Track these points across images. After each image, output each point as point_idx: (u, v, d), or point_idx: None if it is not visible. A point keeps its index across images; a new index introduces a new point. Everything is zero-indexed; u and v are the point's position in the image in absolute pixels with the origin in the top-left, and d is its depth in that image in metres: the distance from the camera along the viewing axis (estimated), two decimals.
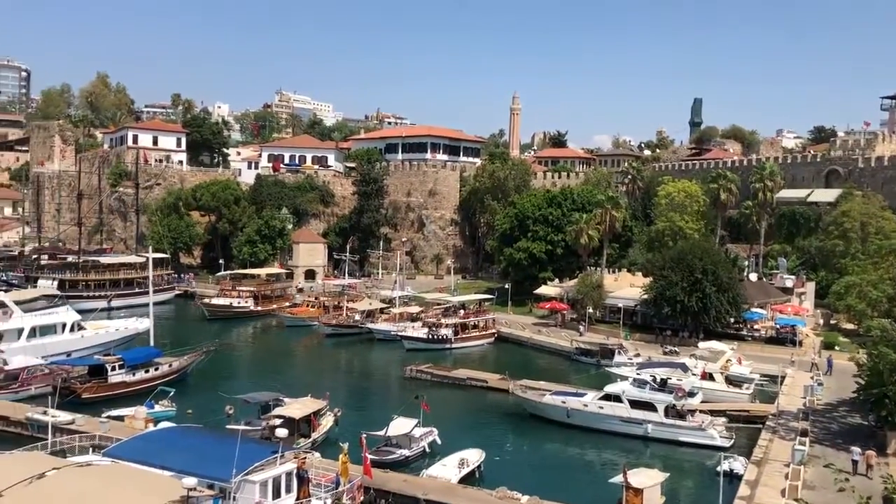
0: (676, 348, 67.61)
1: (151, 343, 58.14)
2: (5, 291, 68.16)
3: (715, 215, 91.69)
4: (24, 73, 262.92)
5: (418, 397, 43.51)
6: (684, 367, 51.88)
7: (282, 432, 30.16)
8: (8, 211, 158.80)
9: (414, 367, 61.43)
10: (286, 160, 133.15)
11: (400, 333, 73.95)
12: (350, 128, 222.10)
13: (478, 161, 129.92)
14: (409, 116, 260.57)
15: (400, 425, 40.83)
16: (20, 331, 58.30)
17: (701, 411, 46.85)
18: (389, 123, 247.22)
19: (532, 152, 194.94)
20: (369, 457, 33.89)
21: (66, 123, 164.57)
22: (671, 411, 45.38)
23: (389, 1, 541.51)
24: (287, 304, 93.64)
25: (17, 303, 61.11)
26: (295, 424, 39.72)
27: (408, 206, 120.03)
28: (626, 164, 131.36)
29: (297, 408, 41.86)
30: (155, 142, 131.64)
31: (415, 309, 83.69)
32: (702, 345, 63.99)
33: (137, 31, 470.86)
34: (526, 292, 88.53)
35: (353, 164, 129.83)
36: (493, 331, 77.68)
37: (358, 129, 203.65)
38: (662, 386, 47.02)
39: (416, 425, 41.04)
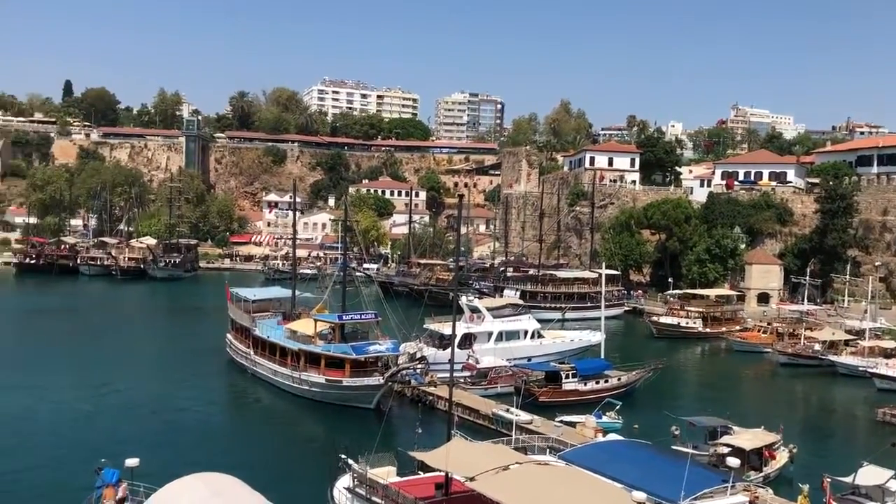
0: None
1: (602, 355, 60.55)
2: (479, 299, 76.97)
3: None
4: (499, 106, 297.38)
5: (895, 445, 37.79)
6: None
7: (733, 461, 28.84)
8: (482, 228, 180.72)
9: (888, 410, 53.71)
10: (740, 177, 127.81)
11: (870, 370, 65.34)
12: (813, 140, 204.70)
13: None
14: (888, 124, 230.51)
15: (871, 474, 35.80)
16: (490, 334, 65.46)
17: None
18: (862, 133, 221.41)
19: None
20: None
21: (532, 149, 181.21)
22: None
23: None
24: (737, 327, 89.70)
25: (489, 309, 68.91)
26: (745, 455, 37.59)
27: (883, 226, 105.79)
28: None
29: (747, 438, 39.55)
30: (610, 163, 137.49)
31: (890, 344, 73.15)
32: None
33: (597, 60, 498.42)
34: None
35: (816, 180, 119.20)
36: None
37: (823, 142, 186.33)
38: None
39: (891, 477, 35.66)
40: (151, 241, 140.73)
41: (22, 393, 53.98)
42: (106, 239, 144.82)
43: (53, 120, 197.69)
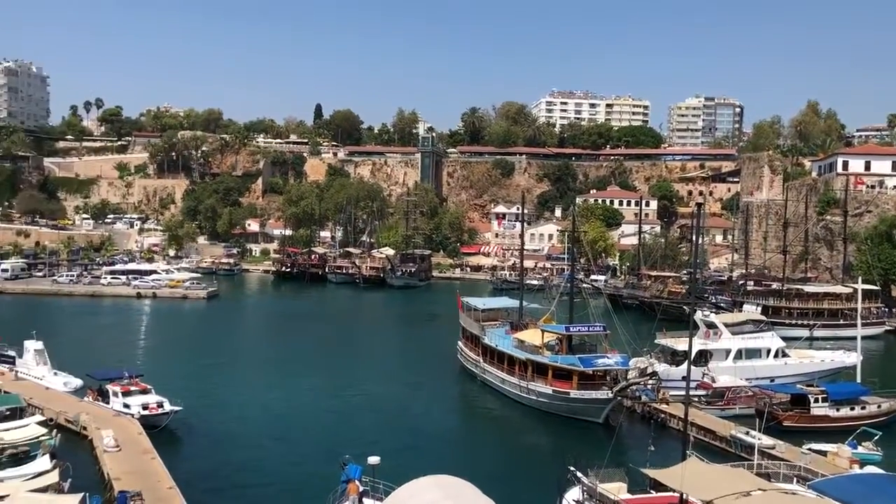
0: None
1: (858, 379, 54.82)
2: (715, 314, 72.95)
3: None
4: (737, 109, 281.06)
5: None
6: None
7: None
8: (719, 238, 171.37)
9: None
10: None
11: None
12: None
13: None
14: None
15: None
16: (727, 351, 61.78)
17: None
18: None
19: None
20: None
21: (775, 153, 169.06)
22: None
23: None
24: None
25: (726, 325, 65.03)
26: None
27: None
28: None
29: None
30: (867, 167, 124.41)
31: None
32: None
33: (849, 53, 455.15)
34: None
35: None
36: None
37: None
38: None
39: None
40: (390, 251, 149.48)
41: (278, 390, 59.62)
42: (350, 249, 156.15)
43: (306, 141, 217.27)
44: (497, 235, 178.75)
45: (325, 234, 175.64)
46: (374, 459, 31.10)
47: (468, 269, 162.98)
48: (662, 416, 50.98)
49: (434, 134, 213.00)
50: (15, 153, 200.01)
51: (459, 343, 70.51)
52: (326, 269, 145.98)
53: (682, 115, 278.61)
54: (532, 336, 58.94)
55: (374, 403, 56.45)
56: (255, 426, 49.97)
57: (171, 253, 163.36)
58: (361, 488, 30.60)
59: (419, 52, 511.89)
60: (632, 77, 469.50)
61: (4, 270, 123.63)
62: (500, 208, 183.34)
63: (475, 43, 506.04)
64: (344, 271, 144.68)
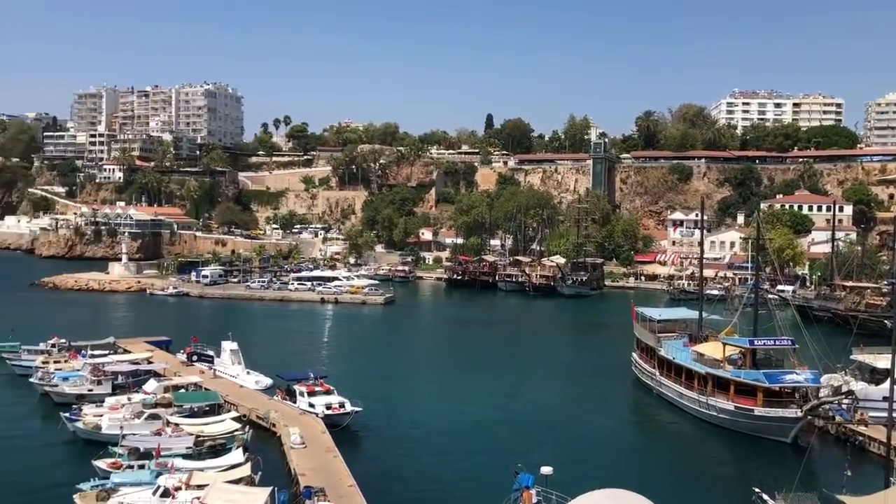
0: None
1: None
2: None
3: None
4: None
5: None
6: None
7: None
8: None
9: None
10: None
11: None
12: None
13: None
14: None
15: None
16: None
17: None
18: None
19: None
20: None
21: None
22: None
23: None
24: None
25: None
26: None
27: None
28: None
29: None
30: None
31: None
32: None
33: None
34: None
35: None
36: None
37: None
38: None
39: None
40: (560, 259, 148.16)
41: (450, 395, 60.78)
42: (520, 258, 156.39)
43: (477, 150, 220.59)
44: (674, 243, 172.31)
45: (496, 242, 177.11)
46: (546, 469, 30.79)
47: (642, 278, 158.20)
48: (860, 438, 46.90)
49: (606, 139, 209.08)
50: (214, 168, 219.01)
51: (633, 354, 68.62)
52: (496, 277, 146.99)
53: (882, 112, 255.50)
54: (712, 349, 56.32)
55: (544, 412, 56.10)
56: (429, 429, 51.17)
57: (352, 261, 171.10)
58: (535, 498, 30.41)
59: (591, 57, 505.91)
60: (821, 73, 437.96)
61: (205, 276, 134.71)
62: (677, 215, 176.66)
63: (649, 46, 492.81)
64: (514, 279, 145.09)
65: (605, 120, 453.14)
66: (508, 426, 52.21)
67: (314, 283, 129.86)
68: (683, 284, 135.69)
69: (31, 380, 58.56)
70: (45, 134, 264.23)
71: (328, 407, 50.45)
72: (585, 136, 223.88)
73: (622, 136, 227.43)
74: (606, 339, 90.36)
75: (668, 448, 50.11)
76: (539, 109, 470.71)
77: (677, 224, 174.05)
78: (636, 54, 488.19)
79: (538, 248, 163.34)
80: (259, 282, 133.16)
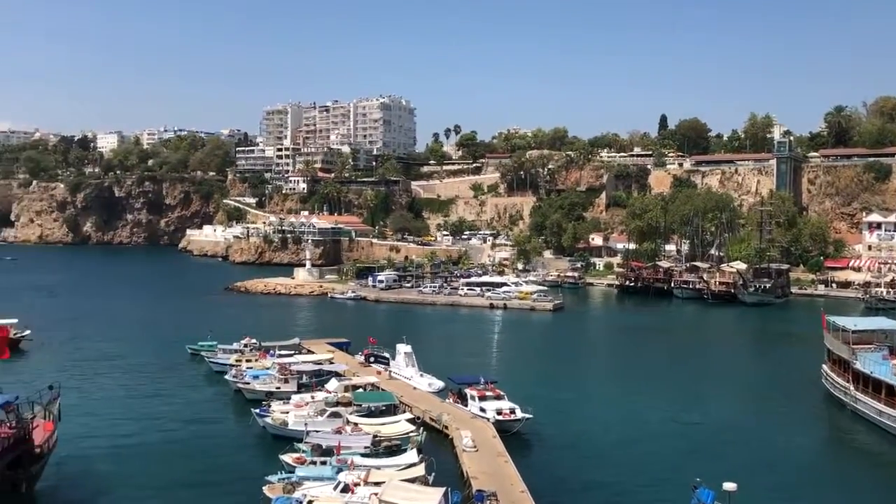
0: None
1: None
2: None
3: None
4: None
5: None
6: None
7: None
8: None
9: None
10: None
11: None
12: None
13: None
14: None
15: None
16: None
17: None
18: None
19: None
20: None
21: None
22: None
23: None
24: None
25: None
26: None
27: None
28: None
29: None
30: None
31: None
32: None
33: None
34: None
35: None
36: None
37: None
38: None
39: None
40: (742, 265, 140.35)
41: (623, 404, 59.21)
42: (698, 263, 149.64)
43: (650, 153, 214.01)
44: (870, 247, 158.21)
45: (671, 247, 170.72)
46: (730, 486, 29.19)
47: (834, 285, 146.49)
48: None
49: (791, 138, 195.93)
50: (388, 178, 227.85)
51: (824, 367, 63.70)
52: (672, 284, 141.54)
53: None
54: None
55: (724, 426, 53.32)
56: (601, 439, 50.14)
57: (520, 266, 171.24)
58: None
59: (772, 49, 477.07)
60: None
61: (380, 281, 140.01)
62: (874, 217, 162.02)
63: (838, 38, 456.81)
64: (691, 286, 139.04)
65: (789, 118, 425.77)
66: (685, 439, 50.07)
67: (483, 288, 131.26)
68: (882, 292, 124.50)
69: (226, 377, 63.55)
70: (238, 149, 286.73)
71: (499, 412, 50.70)
72: (768, 135, 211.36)
73: (809, 134, 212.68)
74: (793, 351, 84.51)
75: (866, 472, 45.94)
76: (717, 109, 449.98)
77: (874, 227, 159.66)
78: (823, 48, 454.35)
79: (717, 254, 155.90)
80: (430, 287, 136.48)
